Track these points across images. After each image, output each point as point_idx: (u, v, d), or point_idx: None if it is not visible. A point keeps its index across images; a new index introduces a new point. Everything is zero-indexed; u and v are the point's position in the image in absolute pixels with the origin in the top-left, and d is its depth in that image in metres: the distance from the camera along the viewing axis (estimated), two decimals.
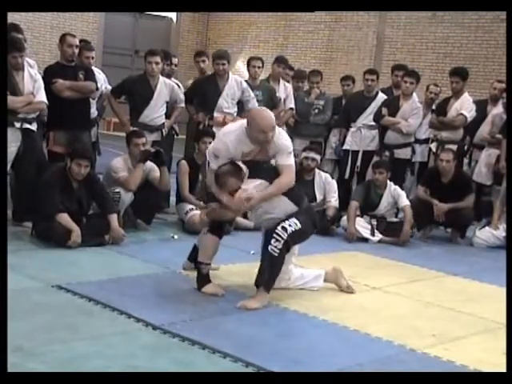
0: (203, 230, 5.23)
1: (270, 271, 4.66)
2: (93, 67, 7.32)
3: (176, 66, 8.39)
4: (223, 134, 4.84)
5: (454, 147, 7.73)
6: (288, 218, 4.70)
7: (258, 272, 4.69)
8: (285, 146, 4.77)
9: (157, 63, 7.06)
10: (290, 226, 4.66)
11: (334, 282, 5.15)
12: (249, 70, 8.09)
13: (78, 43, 6.79)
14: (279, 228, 4.64)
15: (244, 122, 4.78)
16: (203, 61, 8.03)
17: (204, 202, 6.37)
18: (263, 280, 4.66)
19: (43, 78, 6.43)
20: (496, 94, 8.22)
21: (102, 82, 7.57)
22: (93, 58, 7.38)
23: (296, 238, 4.72)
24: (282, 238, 4.61)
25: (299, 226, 4.69)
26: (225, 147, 4.69)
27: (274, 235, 4.62)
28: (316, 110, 8.42)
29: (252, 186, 4.65)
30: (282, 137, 4.81)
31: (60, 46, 6.72)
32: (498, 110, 8.01)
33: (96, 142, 7.49)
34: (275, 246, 4.60)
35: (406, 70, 8.59)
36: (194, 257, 5.21)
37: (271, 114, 4.75)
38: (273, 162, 4.81)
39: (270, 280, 4.68)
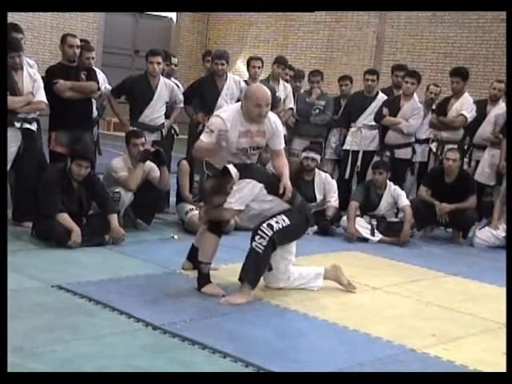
0: (200, 230, 5.25)
1: (254, 267, 4.66)
2: (93, 67, 7.32)
3: (176, 65, 8.37)
4: (220, 112, 4.97)
5: (455, 147, 7.72)
6: (277, 214, 4.71)
7: (241, 267, 4.71)
8: (280, 128, 4.99)
9: (158, 63, 7.06)
10: (277, 222, 4.66)
11: (335, 280, 5.14)
12: (249, 70, 8.08)
13: (79, 43, 6.77)
14: (264, 225, 4.65)
15: (240, 103, 4.93)
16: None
17: (201, 201, 6.37)
18: (247, 275, 4.67)
19: (45, 78, 6.43)
20: (496, 93, 8.21)
21: (102, 82, 7.55)
22: (93, 58, 7.37)
23: (284, 235, 4.69)
24: (267, 235, 4.61)
25: (287, 222, 4.69)
26: (221, 122, 4.75)
27: (259, 232, 4.63)
28: (317, 111, 8.41)
29: (238, 196, 4.66)
30: (276, 118, 4.99)
31: (61, 47, 6.72)
32: (498, 110, 8.01)
33: (96, 142, 7.49)
34: (260, 243, 4.61)
35: (407, 70, 8.59)
36: (192, 256, 5.22)
37: (267, 90, 4.87)
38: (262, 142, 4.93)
39: (256, 276, 4.69)
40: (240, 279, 4.72)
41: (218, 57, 7.51)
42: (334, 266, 5.17)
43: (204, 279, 4.83)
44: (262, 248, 4.61)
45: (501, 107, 8.03)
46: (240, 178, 4.69)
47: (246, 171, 4.73)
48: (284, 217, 4.71)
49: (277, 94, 8.05)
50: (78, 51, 6.73)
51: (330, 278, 5.14)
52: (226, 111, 4.92)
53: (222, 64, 7.42)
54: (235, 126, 4.77)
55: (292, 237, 4.85)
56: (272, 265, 4.86)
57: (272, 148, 5.00)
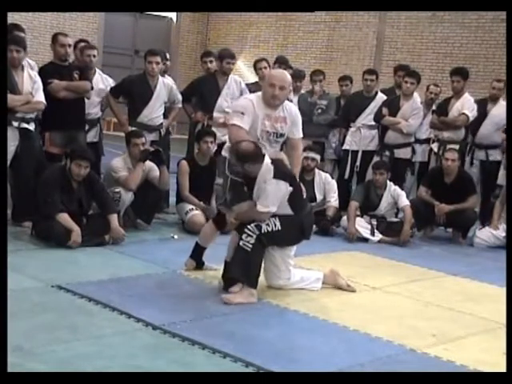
0: (203, 229, 5.26)
1: (245, 267, 4.64)
2: (100, 72, 7.34)
3: (168, 60, 8.21)
4: (246, 96, 5.23)
5: (456, 147, 7.72)
6: (271, 216, 4.70)
7: (230, 265, 4.73)
8: (298, 117, 5.01)
9: (157, 63, 7.06)
10: (267, 225, 4.66)
11: (333, 284, 5.15)
12: (257, 74, 8.10)
13: (70, 42, 6.75)
14: (252, 224, 4.66)
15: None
16: (211, 61, 7.97)
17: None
18: (241, 277, 4.66)
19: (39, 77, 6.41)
20: (495, 93, 8.20)
21: (111, 83, 7.49)
22: (94, 56, 7.32)
23: (272, 238, 4.68)
24: (254, 233, 4.61)
25: (278, 227, 4.68)
26: (250, 103, 4.80)
27: (246, 230, 4.64)
28: (319, 110, 8.39)
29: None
30: (294, 107, 5.08)
31: (52, 46, 6.68)
32: (499, 109, 8.01)
33: (99, 142, 7.43)
34: (247, 241, 4.61)
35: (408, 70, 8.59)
36: (196, 255, 5.22)
37: (286, 74, 4.97)
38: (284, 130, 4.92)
39: (251, 275, 4.67)
40: (231, 277, 4.72)
41: (230, 56, 7.55)
42: (332, 272, 5.17)
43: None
44: (250, 246, 4.61)
45: (501, 105, 8.03)
46: (274, 178, 4.65)
47: (279, 171, 4.69)
48: (277, 221, 4.70)
49: None
50: (69, 50, 6.71)
51: (329, 283, 5.14)
52: (250, 95, 5.09)
53: (234, 64, 7.56)
54: (260, 109, 4.81)
55: (280, 242, 4.82)
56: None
57: (290, 136, 4.98)
